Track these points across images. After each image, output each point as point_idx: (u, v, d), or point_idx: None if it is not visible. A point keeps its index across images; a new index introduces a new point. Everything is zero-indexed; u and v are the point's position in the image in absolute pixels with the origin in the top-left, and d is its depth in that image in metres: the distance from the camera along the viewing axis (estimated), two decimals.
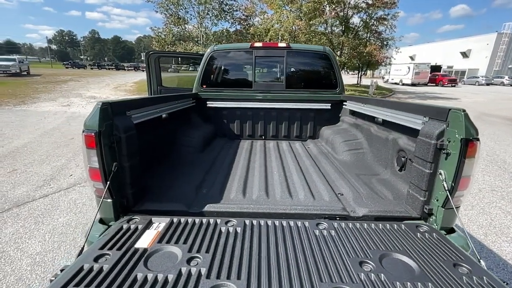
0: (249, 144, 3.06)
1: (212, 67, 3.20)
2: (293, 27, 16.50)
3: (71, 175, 4.24)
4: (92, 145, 1.31)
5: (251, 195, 1.70)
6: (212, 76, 3.26)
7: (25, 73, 26.92)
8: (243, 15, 19.87)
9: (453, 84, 34.41)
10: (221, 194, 1.71)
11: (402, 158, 1.80)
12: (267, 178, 1.99)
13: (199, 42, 19.47)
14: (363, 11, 21.17)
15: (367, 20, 21.52)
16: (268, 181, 1.94)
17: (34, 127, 7.58)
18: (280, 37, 16.60)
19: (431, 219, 1.45)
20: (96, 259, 1.05)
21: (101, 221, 1.49)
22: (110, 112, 1.37)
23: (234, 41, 20.96)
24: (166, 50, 18.53)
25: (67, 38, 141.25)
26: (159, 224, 1.33)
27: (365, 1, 19.58)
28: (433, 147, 1.36)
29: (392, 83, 37.43)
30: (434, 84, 35.36)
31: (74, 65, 57.11)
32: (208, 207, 1.53)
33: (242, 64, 3.29)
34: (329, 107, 3.18)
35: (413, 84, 34.30)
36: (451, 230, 1.44)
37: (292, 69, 3.17)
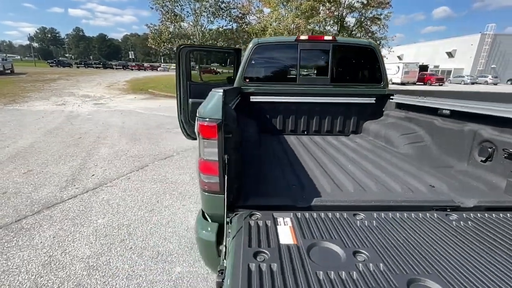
0: (295, 139, 2.99)
1: (255, 60, 3.10)
2: (292, 26, 16.51)
3: (93, 175, 4.03)
4: (212, 136, 1.20)
5: (347, 189, 1.64)
6: (255, 70, 3.16)
7: (9, 71, 25.71)
8: (240, 13, 19.69)
9: (440, 83, 35.49)
10: (315, 188, 1.64)
11: (489, 149, 1.78)
12: (346, 172, 1.93)
13: (194, 40, 19.16)
14: (357, 11, 21.47)
15: (362, 19, 21.83)
16: (350, 174, 1.88)
17: (35, 127, 7.21)
18: (280, 35, 16.57)
19: None
20: (255, 258, 0.95)
21: (205, 217, 1.38)
22: (224, 101, 1.27)
23: (231, 40, 20.75)
24: (162, 47, 18.15)
25: (49, 35, 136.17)
26: (284, 219, 1.24)
27: (360, 1, 19.86)
28: None
29: None
30: (422, 83, 36.35)
31: (59, 63, 55.12)
32: (316, 201, 1.45)
33: (286, 57, 3.21)
34: (374, 101, 3.15)
35: (402, 83, 35.12)
36: None
37: (338, 63, 3.12)
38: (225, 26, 20.29)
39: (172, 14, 17.80)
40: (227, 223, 1.30)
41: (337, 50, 3.03)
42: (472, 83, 36.88)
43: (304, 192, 1.58)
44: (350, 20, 22.64)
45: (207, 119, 1.22)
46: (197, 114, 1.30)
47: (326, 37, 3.00)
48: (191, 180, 3.94)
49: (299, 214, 1.27)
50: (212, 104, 1.23)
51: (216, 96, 1.24)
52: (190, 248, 2.41)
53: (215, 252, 1.27)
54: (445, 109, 2.22)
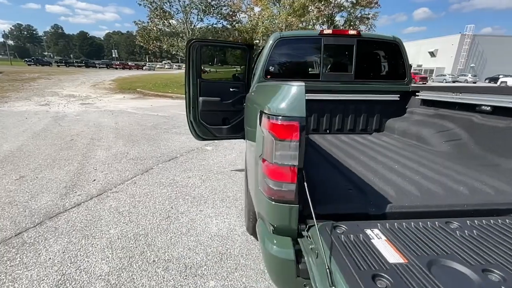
0: (320, 138, 2.85)
1: (276, 56, 2.92)
2: (284, 25, 16.41)
3: (94, 180, 3.73)
4: (291, 137, 1.02)
5: (411, 192, 1.50)
6: (276, 65, 2.98)
7: None
8: (231, 11, 19.40)
9: (424, 82, 36.59)
10: (375, 192, 1.49)
11: None
12: (398, 172, 1.80)
13: (184, 38, 18.70)
14: (346, 10, 21.75)
15: (350, 18, 22.13)
16: (403, 175, 1.75)
17: (19, 129, 6.71)
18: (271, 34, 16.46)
19: None
20: (374, 282, 0.79)
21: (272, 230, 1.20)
22: None
23: (220, 38, 20.42)
24: (152, 45, 17.59)
25: (25, 33, 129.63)
26: (373, 231, 1.08)
27: (350, 0, 20.10)
28: None
29: None
30: None
31: (37, 62, 52.56)
32: (391, 208, 1.30)
33: (309, 53, 3.05)
34: (398, 98, 3.06)
35: None
36: None
37: (362, 59, 3.00)
38: (215, 24, 19.95)
39: (161, 10, 17.27)
40: (303, 236, 1.13)
41: (361, 45, 2.91)
42: (453, 82, 38.29)
43: (366, 197, 1.43)
44: (339, 19, 22.91)
45: (281, 117, 1.04)
46: (267, 111, 1.12)
47: (350, 32, 2.87)
48: (202, 183, 3.72)
49: (387, 225, 1.12)
50: (292, 98, 1.05)
51: (294, 89, 1.05)
52: (220, 259, 2.22)
53: (294, 272, 1.09)
54: (486, 105, 2.15)
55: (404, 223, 1.13)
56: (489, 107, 2.14)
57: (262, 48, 3.91)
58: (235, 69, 4.68)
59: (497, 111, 2.10)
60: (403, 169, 1.88)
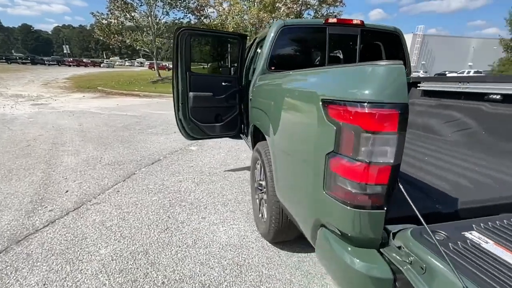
0: None
1: (280, 45, 2.70)
2: (256, 20, 16.20)
3: (67, 191, 3.19)
4: (389, 128, 0.82)
5: (461, 184, 1.41)
6: (280, 56, 2.76)
7: None
8: (198, 5, 18.60)
9: None
10: (428, 186, 1.37)
11: None
12: (434, 165, 1.72)
13: (149, 32, 17.55)
14: (312, 8, 22.27)
15: (317, 16, 22.69)
16: (438, 166, 1.67)
17: None
18: (242, 29, 16.15)
19: None
20: None
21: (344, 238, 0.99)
22: None
23: None
24: (113, 39, 16.18)
25: None
26: (472, 234, 0.93)
27: None
28: None
29: None
30: None
31: None
32: (462, 204, 1.18)
33: (313, 42, 2.87)
34: None
35: None
36: None
37: (364, 49, 2.91)
38: (182, 18, 19.06)
39: (122, 2, 15.93)
40: (385, 246, 0.95)
41: (364, 35, 2.83)
42: None
43: (425, 194, 1.30)
44: (307, 16, 23.37)
45: (368, 103, 0.84)
46: (344, 98, 0.91)
47: (354, 21, 2.77)
48: (197, 187, 3.39)
49: (482, 224, 0.99)
50: (387, 81, 0.84)
51: (390, 70, 0.85)
52: (239, 271, 1.96)
53: None
54: (496, 94, 2.18)
55: (497, 221, 1.02)
56: (499, 96, 2.17)
57: (255, 40, 3.67)
58: (201, 66, 4.40)
59: (507, 99, 2.14)
60: (436, 161, 1.81)
